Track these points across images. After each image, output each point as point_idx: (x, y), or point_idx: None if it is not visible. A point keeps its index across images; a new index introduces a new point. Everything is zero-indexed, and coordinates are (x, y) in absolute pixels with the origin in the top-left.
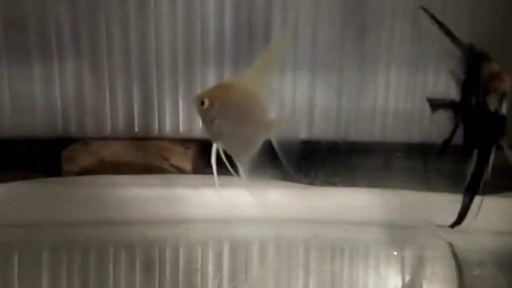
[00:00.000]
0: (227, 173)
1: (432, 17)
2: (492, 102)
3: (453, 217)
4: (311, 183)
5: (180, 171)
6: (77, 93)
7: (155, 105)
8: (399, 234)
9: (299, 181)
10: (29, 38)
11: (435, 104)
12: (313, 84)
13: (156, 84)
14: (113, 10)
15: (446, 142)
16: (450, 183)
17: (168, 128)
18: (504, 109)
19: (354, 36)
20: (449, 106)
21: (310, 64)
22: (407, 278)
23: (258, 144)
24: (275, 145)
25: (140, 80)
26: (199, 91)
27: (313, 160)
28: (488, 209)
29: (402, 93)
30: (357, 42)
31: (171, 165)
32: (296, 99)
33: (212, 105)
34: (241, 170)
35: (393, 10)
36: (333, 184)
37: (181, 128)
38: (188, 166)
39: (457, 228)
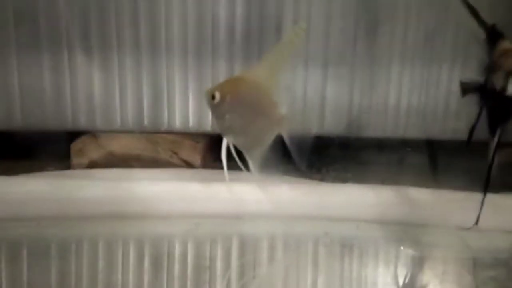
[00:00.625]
0: (237, 168)
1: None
2: (498, 81)
3: (465, 215)
4: (322, 179)
5: (189, 165)
6: (86, 86)
7: (165, 99)
8: (411, 232)
9: (310, 177)
10: (39, 31)
11: (465, 88)
12: (325, 79)
13: (166, 78)
14: (124, 4)
15: (473, 127)
16: (463, 180)
17: (177, 122)
18: (511, 89)
19: (367, 30)
20: (477, 89)
21: (322, 59)
22: (418, 276)
23: (269, 139)
24: (286, 140)
25: (150, 73)
26: (209, 85)
27: (324, 156)
28: (503, 207)
29: (415, 89)
30: (370, 36)
31: (180, 159)
32: (307, 94)
33: (223, 99)
34: (251, 165)
35: (407, 4)
36: (344, 180)
37: (191, 122)
38: (197, 160)
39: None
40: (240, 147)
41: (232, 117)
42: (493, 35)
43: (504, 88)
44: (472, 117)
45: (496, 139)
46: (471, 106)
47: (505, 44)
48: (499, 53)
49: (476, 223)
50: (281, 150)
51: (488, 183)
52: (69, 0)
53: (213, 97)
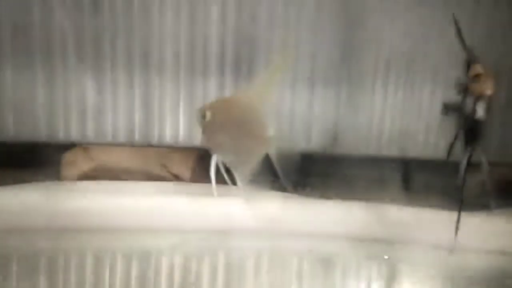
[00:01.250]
0: (226, 182)
1: (455, 23)
2: (469, 104)
3: (445, 234)
4: (308, 196)
5: (179, 179)
6: (79, 99)
7: (156, 114)
8: (392, 250)
9: (297, 194)
10: (33, 43)
11: (447, 108)
12: (312, 98)
13: (158, 93)
14: (117, 18)
15: (451, 145)
16: (444, 199)
17: (168, 136)
18: (480, 113)
19: (352, 51)
20: (456, 111)
21: (309, 78)
22: None
23: (257, 158)
24: (273, 160)
25: (142, 89)
26: (200, 101)
27: (310, 173)
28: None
29: (397, 110)
30: (355, 57)
31: (170, 172)
32: (295, 113)
33: (213, 118)
34: (239, 182)
35: (391, 26)
36: (329, 197)
37: (181, 137)
38: (186, 174)
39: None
40: (228, 165)
41: (222, 136)
42: (470, 58)
43: (473, 112)
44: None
45: (464, 160)
46: (452, 126)
47: (477, 69)
48: (471, 77)
49: (454, 243)
50: (269, 167)
51: (461, 203)
52: (64, 14)
53: (204, 115)
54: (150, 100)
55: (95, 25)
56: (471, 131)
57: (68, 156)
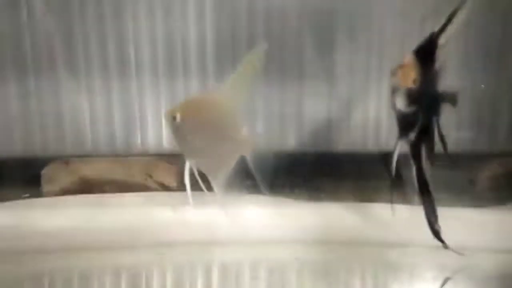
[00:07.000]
0: (210, 188)
1: None
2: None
3: (453, 235)
4: (296, 199)
5: (165, 188)
6: (54, 110)
7: (137, 120)
8: (385, 252)
9: (282, 197)
10: (4, 57)
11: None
12: (301, 93)
13: (137, 98)
14: (90, 25)
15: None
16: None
17: (151, 143)
18: (399, 105)
19: (343, 43)
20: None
21: (297, 73)
22: None
23: (233, 161)
24: (249, 162)
25: (120, 94)
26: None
27: (298, 174)
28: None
29: None
30: (346, 49)
31: (156, 182)
32: (283, 109)
33: (184, 120)
34: (215, 187)
35: (381, 13)
36: (319, 199)
37: (165, 143)
38: (173, 182)
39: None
40: (203, 170)
41: (194, 139)
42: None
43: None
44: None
45: (395, 151)
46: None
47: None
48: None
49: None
50: (245, 170)
51: (392, 196)
52: (34, 25)
53: (174, 118)
54: (130, 107)
55: (67, 32)
56: (400, 122)
57: (47, 171)
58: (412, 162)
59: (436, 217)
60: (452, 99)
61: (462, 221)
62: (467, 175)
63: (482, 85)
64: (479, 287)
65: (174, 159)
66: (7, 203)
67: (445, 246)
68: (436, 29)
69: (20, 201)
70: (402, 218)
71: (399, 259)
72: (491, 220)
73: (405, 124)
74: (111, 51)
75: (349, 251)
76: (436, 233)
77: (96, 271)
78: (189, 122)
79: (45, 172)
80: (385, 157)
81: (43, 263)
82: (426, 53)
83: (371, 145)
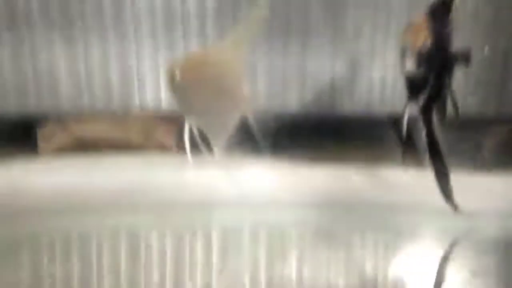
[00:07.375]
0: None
1: None
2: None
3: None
4: (297, 161)
5: (164, 148)
6: (49, 65)
7: (135, 77)
8: (389, 216)
9: (283, 159)
10: None
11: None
12: (305, 52)
13: (135, 54)
14: None
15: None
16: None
17: (149, 102)
18: (408, 66)
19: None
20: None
21: (301, 31)
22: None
23: (233, 121)
24: (251, 122)
25: (117, 49)
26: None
27: (302, 136)
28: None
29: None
30: (352, 7)
31: (154, 142)
32: (286, 68)
33: (184, 78)
34: (215, 148)
35: None
36: (321, 162)
37: (164, 101)
38: (172, 143)
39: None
40: (203, 129)
41: (194, 97)
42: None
43: (402, 66)
44: None
45: (405, 114)
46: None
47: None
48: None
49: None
50: (246, 130)
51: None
52: None
53: (173, 76)
54: (127, 62)
55: None
56: (410, 85)
57: (44, 130)
58: (422, 125)
59: (448, 180)
60: (465, 58)
61: (469, 185)
62: (475, 139)
63: (487, 48)
64: (486, 250)
65: (174, 117)
66: (3, 162)
67: (455, 208)
68: None
69: (16, 161)
70: (409, 181)
71: (405, 222)
72: (498, 184)
73: (414, 86)
74: (108, 6)
75: (352, 214)
76: (448, 196)
77: (95, 232)
78: (189, 79)
79: (42, 130)
80: (392, 120)
81: (41, 224)
82: (439, 13)
83: (377, 107)
